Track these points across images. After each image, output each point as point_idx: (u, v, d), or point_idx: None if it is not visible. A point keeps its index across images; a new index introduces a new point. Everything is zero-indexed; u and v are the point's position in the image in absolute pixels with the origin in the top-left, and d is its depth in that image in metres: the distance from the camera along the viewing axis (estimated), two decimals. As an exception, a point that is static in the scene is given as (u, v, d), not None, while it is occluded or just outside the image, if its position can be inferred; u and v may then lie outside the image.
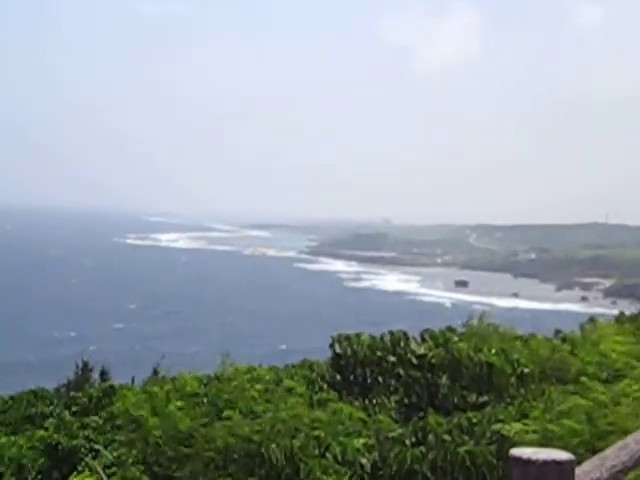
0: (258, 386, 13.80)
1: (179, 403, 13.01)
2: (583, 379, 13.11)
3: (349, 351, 15.17)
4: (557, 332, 23.95)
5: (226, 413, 12.23)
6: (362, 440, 11.12)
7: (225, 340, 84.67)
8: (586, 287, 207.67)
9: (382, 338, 15.47)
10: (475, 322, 18.20)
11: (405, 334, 15.43)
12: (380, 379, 14.85)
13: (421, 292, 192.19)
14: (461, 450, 10.25)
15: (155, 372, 21.69)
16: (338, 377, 15.22)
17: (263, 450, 10.70)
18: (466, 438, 10.58)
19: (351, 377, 15.05)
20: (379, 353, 15.05)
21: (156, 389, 13.95)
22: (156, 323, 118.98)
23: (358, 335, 15.51)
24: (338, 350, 15.39)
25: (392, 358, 14.94)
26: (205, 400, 13.29)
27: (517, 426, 10.14)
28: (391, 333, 15.54)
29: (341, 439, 11.09)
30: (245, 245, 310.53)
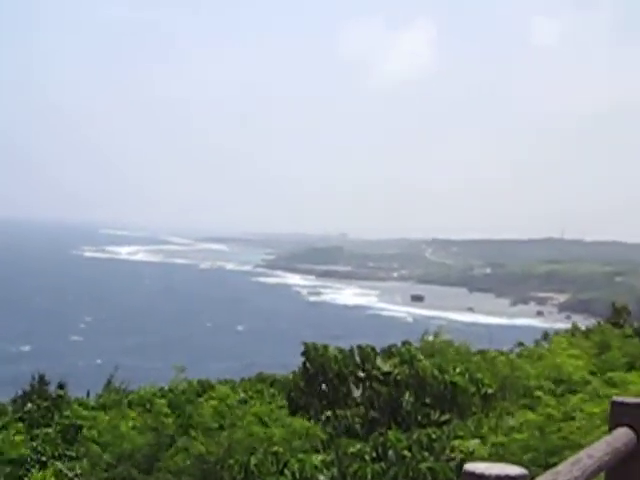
0: (215, 402, 13.74)
1: (136, 421, 12.93)
2: (537, 394, 13.28)
3: (317, 363, 15.17)
4: (519, 344, 24.06)
5: (182, 432, 12.19)
6: (321, 456, 11.14)
7: (185, 354, 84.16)
8: (541, 302, 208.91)
9: (351, 352, 15.51)
10: (431, 338, 18.33)
11: (373, 349, 15.51)
12: (345, 393, 14.89)
13: (379, 306, 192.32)
14: (423, 466, 10.32)
15: (109, 383, 21.54)
16: (304, 389, 15.20)
17: (218, 470, 10.70)
18: (426, 454, 10.65)
19: (317, 390, 15.06)
20: (348, 367, 15.09)
21: (113, 406, 13.88)
22: (114, 336, 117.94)
23: (326, 347, 15.51)
24: (307, 362, 15.38)
25: (361, 374, 15.00)
26: (161, 417, 13.20)
27: (475, 442, 10.24)
28: (359, 347, 15.59)
29: (300, 456, 11.09)
30: (202, 258, 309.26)
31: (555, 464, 4.14)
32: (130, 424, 13.04)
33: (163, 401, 13.95)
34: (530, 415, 11.26)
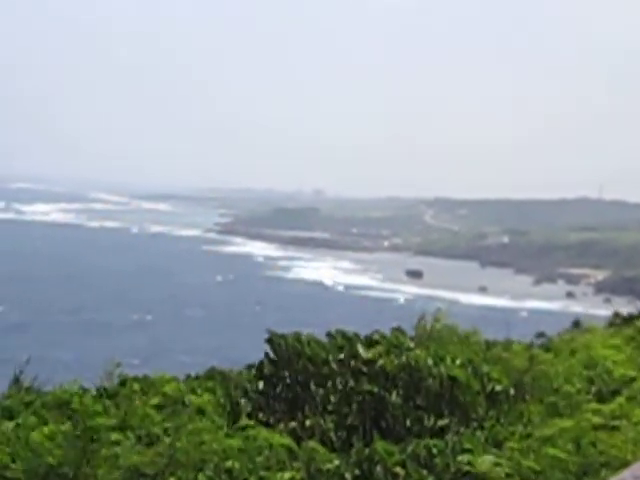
0: (155, 401, 13.61)
1: (50, 426, 12.80)
2: (569, 397, 13.24)
3: (285, 355, 14.98)
4: (539, 335, 24.05)
5: (113, 437, 12.05)
6: (288, 474, 11.03)
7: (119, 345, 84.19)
8: (572, 280, 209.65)
9: (331, 336, 15.32)
10: (428, 324, 18.17)
11: (356, 335, 15.35)
12: (315, 392, 14.74)
13: (363, 285, 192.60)
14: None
15: (17, 380, 21.40)
16: (262, 389, 15.04)
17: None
18: (424, 472, 10.57)
19: (278, 389, 14.92)
20: (322, 356, 14.90)
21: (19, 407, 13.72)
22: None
23: (297, 335, 15.30)
24: (271, 354, 15.20)
25: (341, 356, 14.81)
26: (84, 421, 13.06)
27: (489, 458, 10.16)
28: (330, 334, 15.42)
29: (261, 473, 10.98)
30: (138, 220, 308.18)
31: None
32: (46, 431, 12.83)
33: (89, 398, 13.79)
34: (565, 424, 11.19)
